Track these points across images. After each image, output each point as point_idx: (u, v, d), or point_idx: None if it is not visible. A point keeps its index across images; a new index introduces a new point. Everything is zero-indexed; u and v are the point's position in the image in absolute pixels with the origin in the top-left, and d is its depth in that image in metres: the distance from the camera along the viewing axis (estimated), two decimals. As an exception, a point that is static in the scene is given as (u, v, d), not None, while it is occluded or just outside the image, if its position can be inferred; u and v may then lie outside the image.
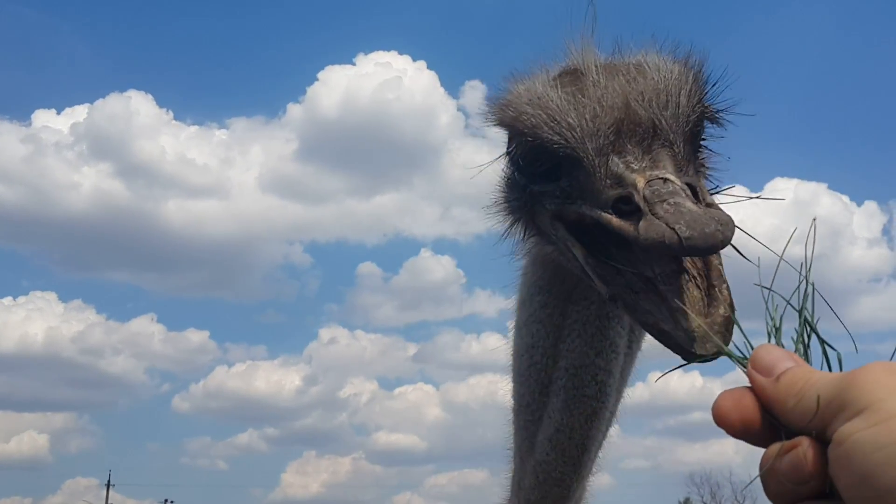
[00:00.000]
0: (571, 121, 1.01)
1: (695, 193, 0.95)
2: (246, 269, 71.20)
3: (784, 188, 64.69)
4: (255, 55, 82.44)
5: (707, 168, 1.16)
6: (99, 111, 63.39)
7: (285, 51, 79.93)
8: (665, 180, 0.94)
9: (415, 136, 64.71)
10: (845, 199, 67.68)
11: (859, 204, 72.22)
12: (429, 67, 67.68)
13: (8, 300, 66.45)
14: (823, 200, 64.03)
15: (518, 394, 1.30)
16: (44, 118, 65.21)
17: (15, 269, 78.39)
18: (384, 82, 62.27)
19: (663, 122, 1.00)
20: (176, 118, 69.47)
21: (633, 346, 1.25)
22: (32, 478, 67.44)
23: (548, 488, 1.25)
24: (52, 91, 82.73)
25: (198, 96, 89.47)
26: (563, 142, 1.02)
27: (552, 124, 1.03)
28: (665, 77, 1.04)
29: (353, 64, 67.81)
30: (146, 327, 67.16)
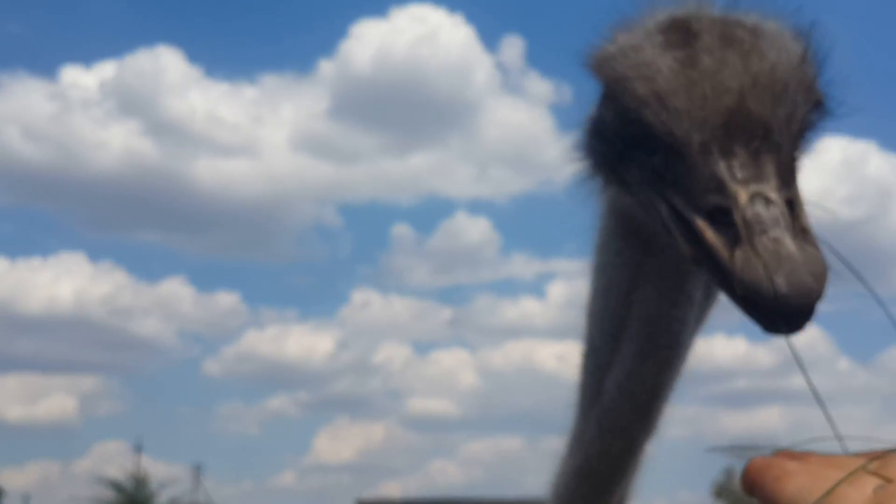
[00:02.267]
0: (680, 105, 0.95)
1: (791, 209, 0.92)
2: (277, 230, 70.05)
3: (832, 148, 62.10)
4: (286, 9, 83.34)
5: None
6: (128, 67, 63.73)
7: (317, 5, 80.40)
8: (768, 201, 0.91)
9: (450, 94, 63.37)
10: None
11: (910, 164, 68.87)
12: (467, 21, 66.50)
13: (36, 260, 66.17)
14: (873, 160, 61.41)
15: (590, 335, 1.30)
16: (72, 74, 65.92)
17: (43, 228, 78.87)
18: (419, 37, 61.75)
19: (776, 123, 0.95)
20: (206, 74, 69.97)
21: (710, 297, 1.23)
22: (61, 441, 66.68)
23: (611, 439, 1.25)
24: (80, 46, 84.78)
25: (228, 52, 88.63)
26: (667, 129, 0.96)
27: (658, 105, 0.97)
28: (785, 60, 0.98)
29: (387, 18, 66.63)
30: (176, 289, 66.16)
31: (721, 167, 0.92)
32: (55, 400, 62.84)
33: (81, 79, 63.26)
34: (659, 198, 0.99)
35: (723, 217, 0.90)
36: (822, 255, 0.91)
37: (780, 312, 0.88)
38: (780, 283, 0.86)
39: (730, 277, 0.88)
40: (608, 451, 1.24)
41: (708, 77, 0.95)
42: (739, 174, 0.92)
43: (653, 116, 0.97)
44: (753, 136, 0.94)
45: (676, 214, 0.96)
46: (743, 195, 0.90)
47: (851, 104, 1.09)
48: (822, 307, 0.89)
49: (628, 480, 1.29)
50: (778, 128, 0.95)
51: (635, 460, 1.27)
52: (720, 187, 0.91)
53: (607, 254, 1.25)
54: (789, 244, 0.88)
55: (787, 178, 0.95)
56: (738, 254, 0.88)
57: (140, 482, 42.39)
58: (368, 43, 62.57)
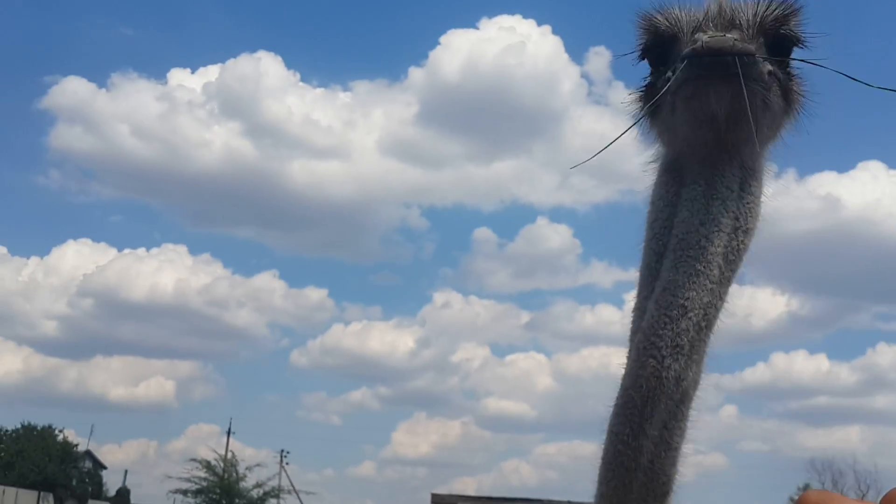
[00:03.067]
0: (679, 16, 1.46)
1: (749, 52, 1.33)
2: (364, 230, 71.96)
3: (874, 168, 60.54)
4: (380, 19, 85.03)
5: (798, 91, 1.51)
6: (230, 71, 66.38)
7: (409, 15, 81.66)
8: (724, 35, 1.33)
9: (536, 103, 63.70)
10: None
11: None
12: (553, 32, 66.57)
13: (141, 251, 69.30)
14: None
15: (644, 261, 1.47)
16: (179, 77, 68.65)
17: (148, 221, 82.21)
18: (507, 47, 62.20)
19: (740, 20, 1.42)
20: (302, 80, 72.10)
21: (738, 231, 1.42)
22: (159, 422, 69.70)
23: (644, 360, 1.34)
24: (187, 51, 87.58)
25: (323, 59, 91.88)
26: (673, 30, 1.46)
27: (671, 21, 1.47)
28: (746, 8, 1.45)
29: (477, 28, 68.30)
30: (269, 283, 68.66)
31: (700, 35, 1.35)
32: (155, 383, 65.54)
33: (187, 81, 65.99)
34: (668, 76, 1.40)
35: (693, 44, 1.34)
36: (752, 49, 1.33)
37: (712, 51, 1.30)
38: (710, 40, 1.31)
39: (689, 52, 1.32)
40: (640, 376, 1.33)
41: (696, 9, 1.46)
42: (706, 35, 1.34)
43: (667, 27, 1.47)
44: (725, 25, 1.40)
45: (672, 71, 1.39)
46: (705, 35, 1.34)
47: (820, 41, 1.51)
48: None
49: (666, 428, 1.36)
50: (743, 21, 1.41)
51: (669, 399, 1.34)
52: (696, 40, 1.34)
53: (656, 189, 1.51)
54: (728, 35, 1.33)
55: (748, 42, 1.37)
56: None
57: (229, 464, 44.43)
58: (457, 52, 62.79)
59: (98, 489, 47.79)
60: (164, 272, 64.51)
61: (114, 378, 67.83)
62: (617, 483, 1.38)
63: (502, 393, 61.01)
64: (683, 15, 1.47)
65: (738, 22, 1.42)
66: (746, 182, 1.45)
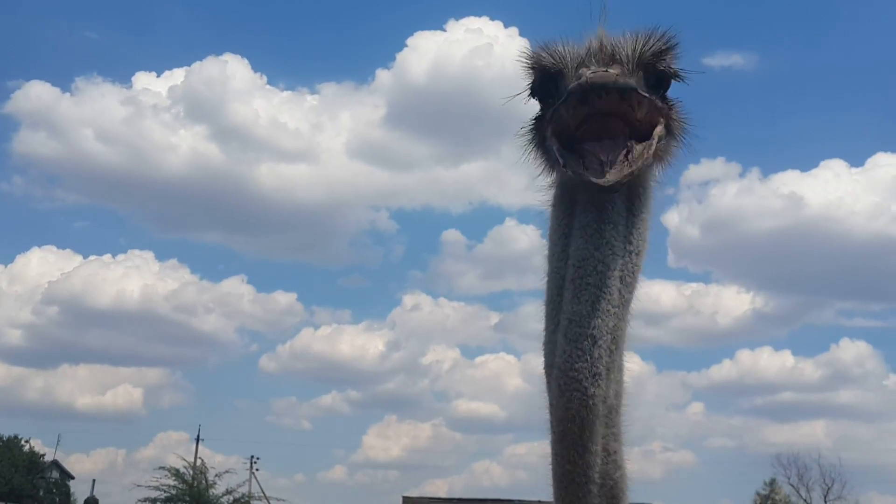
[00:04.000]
0: (563, 53, 1.55)
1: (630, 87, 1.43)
2: (333, 233, 71.63)
3: (887, 163, 61.39)
4: (346, 21, 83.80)
5: (676, 120, 1.60)
6: (196, 74, 65.54)
7: (375, 16, 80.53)
8: (606, 71, 1.41)
9: (504, 105, 64.63)
10: (953, 176, 62.87)
11: (967, 182, 67.00)
12: (521, 34, 66.77)
13: (107, 257, 68.45)
14: None
15: (547, 295, 1.53)
16: (144, 80, 67.69)
17: (114, 227, 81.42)
18: (474, 48, 61.90)
19: (620, 55, 1.51)
20: (269, 83, 71.23)
21: (631, 254, 1.49)
22: (126, 430, 69.01)
23: (570, 395, 1.40)
24: (152, 54, 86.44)
25: (290, 62, 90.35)
26: (558, 66, 1.55)
27: (552, 57, 1.56)
28: (625, 43, 1.54)
29: (444, 30, 67.28)
30: (237, 287, 68.04)
31: (583, 71, 1.44)
32: (122, 390, 64.58)
33: (152, 85, 65.02)
34: (554, 138, 1.47)
35: (577, 80, 1.42)
36: (632, 85, 1.41)
37: (586, 88, 1.38)
38: (591, 75, 1.40)
39: (571, 89, 1.41)
40: (570, 409, 1.39)
41: (580, 48, 1.55)
42: (589, 71, 1.43)
43: (552, 64, 1.55)
44: (605, 60, 1.49)
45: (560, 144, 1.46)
46: (588, 71, 1.42)
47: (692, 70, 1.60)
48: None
49: (604, 438, 1.44)
50: (623, 57, 1.51)
51: (600, 419, 1.41)
52: (580, 76, 1.42)
53: (551, 223, 1.57)
54: (610, 71, 1.42)
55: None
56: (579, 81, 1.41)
57: (198, 471, 44.10)
58: (425, 54, 62.07)
59: (66, 499, 47.18)
60: (131, 278, 63.64)
61: (80, 386, 67.04)
62: (571, 498, 1.47)
63: (473, 394, 61.05)
64: (567, 51, 1.56)
65: (618, 57, 1.51)
66: (634, 206, 1.53)
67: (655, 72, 1.56)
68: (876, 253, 58.89)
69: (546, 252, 1.58)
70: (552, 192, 1.63)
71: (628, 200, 1.52)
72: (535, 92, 1.64)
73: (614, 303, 1.44)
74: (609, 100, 1.42)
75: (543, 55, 1.58)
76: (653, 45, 1.56)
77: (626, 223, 1.50)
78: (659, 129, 1.49)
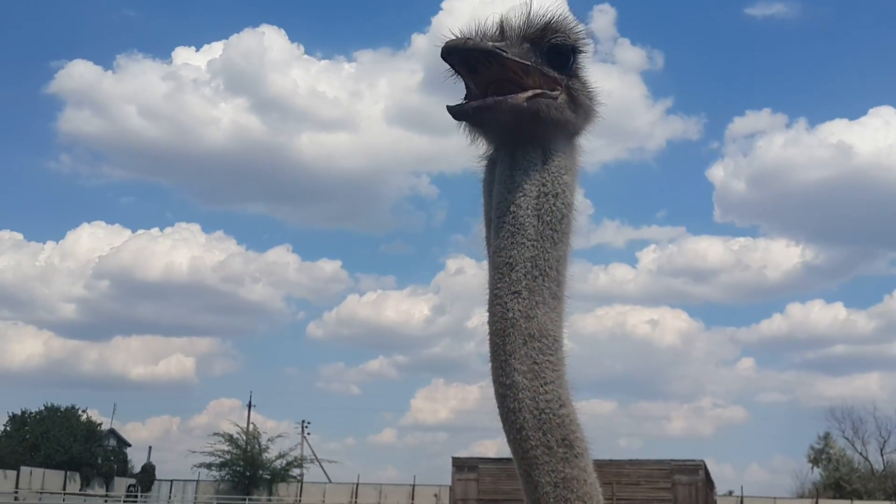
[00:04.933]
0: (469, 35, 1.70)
1: (502, 51, 1.64)
2: (375, 200, 72.20)
3: (886, 114, 59.66)
4: None
5: (581, 91, 1.76)
6: (234, 47, 66.48)
7: None
8: (459, 38, 1.66)
9: None
10: None
11: None
12: None
13: (155, 231, 69.79)
14: None
15: (485, 240, 1.70)
16: (183, 55, 69.18)
17: (160, 201, 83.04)
18: (511, 7, 62.01)
19: (508, 32, 1.72)
20: (307, 52, 72.00)
21: (547, 195, 1.65)
22: (180, 398, 70.77)
23: (493, 309, 1.59)
24: (190, 29, 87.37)
25: (327, 31, 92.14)
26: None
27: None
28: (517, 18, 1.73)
29: None
30: (282, 257, 69.06)
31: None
32: (174, 360, 66.60)
33: (192, 59, 66.21)
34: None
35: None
36: (490, 48, 1.61)
37: (447, 52, 1.61)
38: (446, 45, 1.62)
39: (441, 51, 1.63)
40: (494, 322, 1.58)
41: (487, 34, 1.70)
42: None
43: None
44: (493, 39, 1.67)
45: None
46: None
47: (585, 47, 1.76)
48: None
49: (536, 363, 1.55)
50: (510, 31, 1.70)
51: (524, 334, 1.56)
52: None
53: (483, 182, 1.76)
54: (460, 38, 1.65)
55: (521, 53, 1.67)
56: None
57: (251, 437, 45.03)
58: (460, 16, 63.12)
59: (123, 466, 48.48)
60: (179, 251, 65.07)
61: (134, 357, 68.76)
62: (509, 427, 1.55)
63: (519, 355, 61.09)
64: (475, 34, 1.71)
65: (506, 34, 1.72)
66: (549, 157, 1.69)
67: (547, 45, 1.73)
68: (928, 201, 57.67)
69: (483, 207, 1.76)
70: (483, 160, 1.80)
71: (542, 153, 1.69)
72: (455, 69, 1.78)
73: (530, 236, 1.61)
74: (481, 63, 1.64)
75: (452, 39, 1.71)
76: (539, 21, 1.73)
77: (541, 169, 1.67)
78: (534, 90, 1.66)
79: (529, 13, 1.73)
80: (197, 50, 69.24)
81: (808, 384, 65.42)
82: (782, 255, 64.71)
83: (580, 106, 1.75)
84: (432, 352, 68.48)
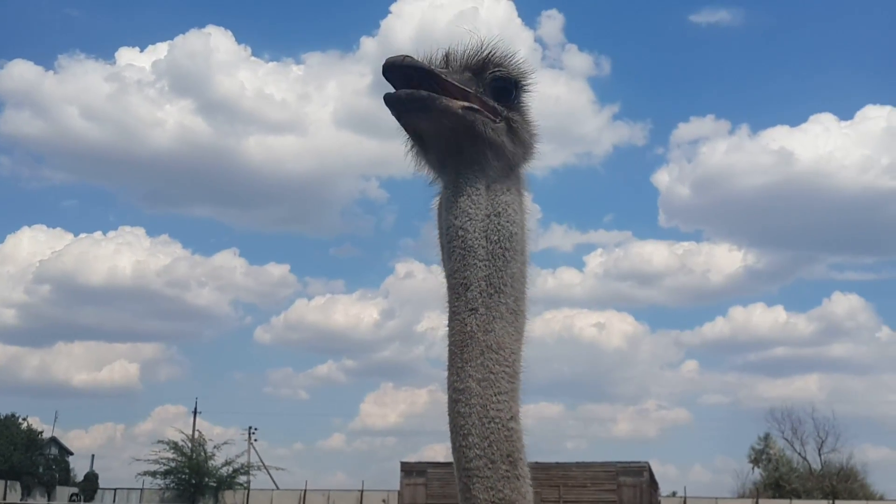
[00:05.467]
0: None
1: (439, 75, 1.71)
2: (324, 204, 71.73)
3: (876, 116, 61.42)
4: None
5: (520, 122, 1.82)
6: (179, 48, 65.33)
7: None
8: (398, 55, 1.67)
9: None
10: (941, 127, 62.95)
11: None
12: None
13: (98, 234, 68.35)
14: None
15: (442, 263, 1.77)
16: (127, 56, 67.76)
17: (104, 204, 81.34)
18: (460, 13, 61.89)
19: (452, 61, 1.81)
20: (254, 54, 71.23)
21: (491, 216, 1.71)
22: (124, 405, 69.38)
23: (452, 324, 1.67)
24: (135, 29, 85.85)
25: (274, 32, 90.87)
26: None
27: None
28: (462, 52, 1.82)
29: None
30: (229, 261, 68.11)
31: None
32: (118, 366, 65.26)
33: (136, 60, 64.86)
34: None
35: None
36: (423, 66, 1.67)
37: (389, 71, 1.64)
38: (387, 61, 1.64)
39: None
40: (452, 334, 1.65)
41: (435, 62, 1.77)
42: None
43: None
44: (438, 65, 1.75)
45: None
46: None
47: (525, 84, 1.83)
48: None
49: (492, 373, 1.61)
50: (453, 61, 1.79)
51: (481, 345, 1.62)
52: None
53: (438, 213, 1.80)
54: (399, 55, 1.67)
55: (461, 79, 1.74)
56: None
57: (197, 444, 44.36)
58: (409, 20, 62.45)
59: (65, 475, 47.48)
60: (122, 255, 63.82)
61: (76, 363, 67.37)
62: (456, 433, 1.59)
63: (468, 360, 61.07)
64: (423, 62, 1.73)
65: (451, 63, 1.79)
66: (491, 181, 1.74)
67: (490, 77, 1.80)
68: (866, 206, 59.41)
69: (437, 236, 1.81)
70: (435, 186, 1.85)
71: (484, 177, 1.73)
72: None
73: (481, 257, 1.68)
74: (421, 83, 1.66)
75: (392, 56, 1.76)
76: (482, 53, 1.81)
77: (484, 193, 1.72)
78: (470, 104, 1.71)
79: (473, 46, 1.81)
80: (141, 51, 68.07)
81: (749, 386, 66.79)
82: (725, 260, 65.99)
83: (519, 138, 1.80)
84: (381, 356, 68.36)
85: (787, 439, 47.48)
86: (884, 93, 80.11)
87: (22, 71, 66.20)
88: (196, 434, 45.50)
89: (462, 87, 1.72)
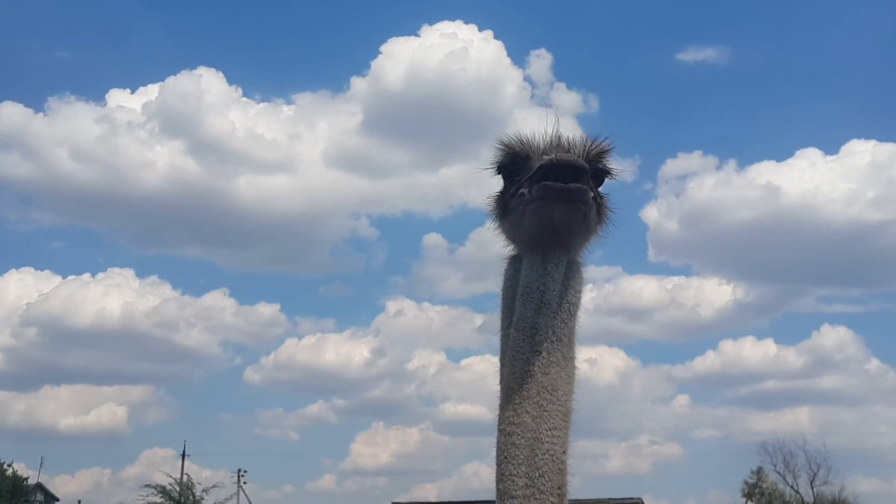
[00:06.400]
0: (531, 142, 2.03)
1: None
2: (314, 243, 71.52)
3: (861, 150, 61.84)
4: (320, 31, 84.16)
5: (605, 209, 2.06)
6: (170, 89, 65.32)
7: (349, 25, 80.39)
8: (569, 152, 1.91)
9: (480, 108, 62.29)
10: (924, 160, 63.44)
11: (939, 165, 67.28)
12: (495, 37, 65.70)
13: (86, 276, 67.98)
14: None
15: (501, 316, 2.03)
16: (118, 98, 67.33)
17: (92, 246, 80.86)
18: (449, 53, 61.53)
19: (573, 150, 1.99)
20: (245, 95, 70.87)
21: (568, 290, 1.97)
22: (111, 449, 68.67)
23: (514, 364, 1.90)
24: (125, 71, 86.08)
25: (265, 73, 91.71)
26: (526, 152, 2.03)
27: (523, 145, 2.04)
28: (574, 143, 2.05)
29: (418, 35, 66.58)
30: (219, 301, 67.77)
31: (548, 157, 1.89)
32: (106, 409, 64.24)
33: (127, 101, 64.82)
34: (520, 186, 1.96)
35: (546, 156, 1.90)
36: (585, 164, 1.87)
37: (564, 166, 1.83)
38: (562, 155, 1.87)
39: (546, 163, 1.84)
40: (514, 374, 1.87)
41: (545, 142, 2.03)
42: (553, 154, 1.90)
43: (521, 149, 2.03)
44: (564, 149, 1.99)
45: (527, 182, 1.92)
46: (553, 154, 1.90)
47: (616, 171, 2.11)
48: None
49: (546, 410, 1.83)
50: (573, 153, 1.96)
51: (539, 386, 1.84)
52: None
53: (506, 273, 2.06)
54: (569, 154, 1.90)
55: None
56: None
57: (185, 487, 43.89)
58: (399, 60, 62.39)
59: (52, 522, 46.76)
60: (111, 297, 63.26)
61: (63, 407, 66.43)
62: (507, 463, 1.81)
63: (459, 397, 60.87)
64: (533, 140, 2.03)
65: (573, 153, 1.97)
66: (571, 261, 2.00)
67: (596, 169, 2.04)
68: (853, 239, 59.49)
69: (502, 294, 2.04)
70: (509, 252, 2.10)
71: (566, 259, 1.99)
72: (501, 169, 2.10)
73: (553, 310, 1.91)
74: (578, 177, 1.86)
75: (515, 143, 2.05)
76: (597, 147, 2.06)
77: (565, 268, 1.97)
78: (593, 194, 1.96)
79: (593, 139, 2.07)
80: (132, 92, 67.90)
81: (740, 419, 66.32)
82: (714, 294, 65.90)
83: (601, 220, 2.06)
84: (372, 395, 67.74)
85: (779, 472, 47.04)
86: (868, 127, 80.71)
87: (11, 113, 66.09)
88: (184, 477, 45.04)
89: (591, 182, 1.93)
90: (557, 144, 2.01)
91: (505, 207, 2.06)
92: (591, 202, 1.93)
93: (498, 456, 1.83)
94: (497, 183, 2.12)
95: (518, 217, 1.97)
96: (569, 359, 1.92)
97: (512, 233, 2.07)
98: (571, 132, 2.04)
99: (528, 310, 1.91)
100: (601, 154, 2.07)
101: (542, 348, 1.87)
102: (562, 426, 1.84)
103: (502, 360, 1.96)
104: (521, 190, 1.94)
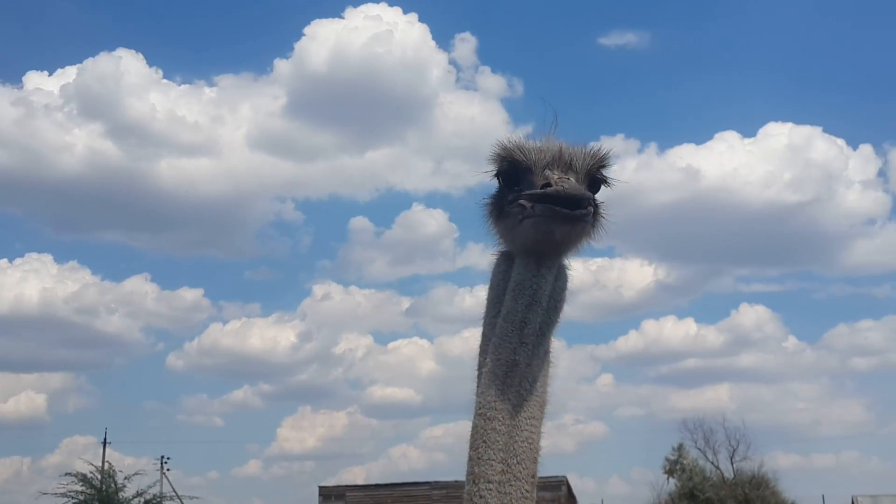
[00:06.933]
0: (536, 154, 2.08)
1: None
2: (238, 227, 70.06)
3: (778, 133, 63.70)
4: (242, 12, 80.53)
5: (602, 215, 2.17)
6: (89, 71, 63.13)
7: (272, 6, 78.44)
8: (567, 179, 1.96)
9: (406, 91, 61.60)
10: (840, 142, 64.16)
11: (854, 147, 68.88)
12: (420, 20, 65.21)
13: (3, 262, 65.55)
14: (818, 144, 62.71)
15: (487, 307, 2.15)
16: (35, 80, 65.04)
17: (10, 231, 77.57)
18: (374, 35, 61.17)
19: (575, 165, 2.07)
20: (165, 76, 68.95)
21: (556, 287, 2.10)
22: (31, 437, 66.35)
23: (499, 350, 2.01)
24: (42, 52, 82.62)
25: (186, 55, 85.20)
26: (529, 162, 2.08)
27: (524, 155, 2.09)
28: (574, 151, 2.11)
29: (342, 17, 64.11)
30: (140, 286, 66.02)
31: (549, 174, 1.99)
32: (24, 397, 62.14)
33: (44, 84, 62.57)
34: (519, 196, 2.03)
35: (549, 187, 1.95)
36: (588, 193, 1.96)
37: (569, 198, 1.90)
38: (567, 186, 1.93)
39: (553, 192, 1.92)
40: (499, 359, 1.98)
41: (544, 149, 2.08)
42: (556, 176, 1.98)
43: (522, 160, 2.07)
44: (563, 167, 2.04)
45: (528, 197, 1.99)
46: (555, 177, 1.98)
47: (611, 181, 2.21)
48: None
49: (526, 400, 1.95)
50: (575, 166, 2.06)
51: (522, 375, 1.97)
52: (547, 179, 1.98)
53: (495, 267, 2.18)
54: (574, 183, 1.97)
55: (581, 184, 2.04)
56: (555, 186, 1.94)
57: (107, 475, 42.91)
58: (324, 42, 61.32)
59: (-34, 514, 45.29)
60: (29, 282, 61.04)
61: (-20, 396, 64.39)
62: (485, 448, 1.89)
63: (387, 380, 60.76)
64: (535, 152, 2.08)
65: (574, 167, 2.07)
66: (562, 266, 2.12)
67: (594, 179, 2.15)
68: (770, 220, 61.03)
69: (490, 283, 2.16)
70: (498, 250, 2.21)
71: (558, 262, 2.11)
72: (501, 175, 2.17)
73: (542, 307, 2.03)
74: (584, 204, 1.95)
75: (516, 152, 2.11)
76: (597, 159, 2.14)
77: (556, 274, 2.09)
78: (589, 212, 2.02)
79: (594, 151, 2.14)
80: (50, 74, 65.59)
81: (662, 397, 67.85)
82: (637, 275, 67.11)
83: (596, 226, 2.16)
84: (299, 379, 67.06)
85: (699, 449, 48.24)
86: (785, 111, 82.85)
87: (-80, 95, 63.31)
88: (106, 465, 44.09)
89: (593, 199, 2.03)
90: (559, 157, 2.07)
91: (501, 210, 2.14)
92: (591, 218, 2.03)
93: (474, 439, 1.91)
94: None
95: (515, 223, 2.05)
96: (548, 353, 2.05)
97: (507, 236, 2.15)
98: (569, 140, 2.13)
99: (520, 304, 2.01)
100: (601, 166, 2.16)
101: (529, 341, 1.98)
102: (538, 416, 1.96)
103: (484, 347, 2.05)
104: (522, 201, 2.01)
